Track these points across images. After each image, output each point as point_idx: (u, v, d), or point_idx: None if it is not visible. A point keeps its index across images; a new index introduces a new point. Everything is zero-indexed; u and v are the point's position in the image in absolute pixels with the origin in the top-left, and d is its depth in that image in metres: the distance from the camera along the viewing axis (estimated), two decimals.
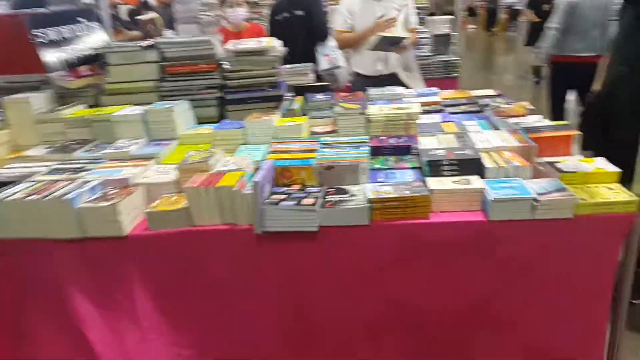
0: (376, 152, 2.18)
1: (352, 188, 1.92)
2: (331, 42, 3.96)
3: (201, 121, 2.63)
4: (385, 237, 1.78)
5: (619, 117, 2.62)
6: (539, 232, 1.72)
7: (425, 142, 2.18)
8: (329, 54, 3.98)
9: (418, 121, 2.32)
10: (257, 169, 1.93)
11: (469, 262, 1.77)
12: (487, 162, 1.91)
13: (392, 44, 3.47)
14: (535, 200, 1.70)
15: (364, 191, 1.86)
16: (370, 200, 1.77)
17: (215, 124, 2.51)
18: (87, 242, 1.87)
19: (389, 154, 2.17)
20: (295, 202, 1.78)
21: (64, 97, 2.78)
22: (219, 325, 1.93)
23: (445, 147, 2.05)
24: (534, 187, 1.77)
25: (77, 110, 2.64)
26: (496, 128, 2.32)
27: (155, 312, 1.92)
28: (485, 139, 2.15)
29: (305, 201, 1.79)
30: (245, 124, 2.37)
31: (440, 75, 4.60)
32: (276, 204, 1.78)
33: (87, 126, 2.52)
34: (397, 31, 3.44)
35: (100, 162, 2.26)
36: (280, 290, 1.87)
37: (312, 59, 3.92)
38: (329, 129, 2.43)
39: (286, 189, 1.92)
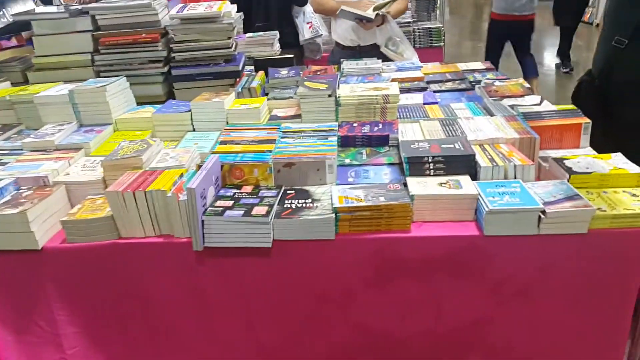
0: (346, 142, 1.82)
1: (316, 190, 1.58)
2: (310, 8, 3.52)
3: (144, 101, 2.24)
4: (355, 254, 1.45)
5: (624, 96, 2.30)
6: (545, 250, 1.40)
7: (406, 131, 1.84)
8: (311, 22, 3.54)
9: (398, 103, 1.96)
10: (200, 166, 1.57)
11: (458, 285, 1.46)
12: (480, 159, 1.58)
13: (356, 18, 3.07)
14: (542, 212, 1.37)
15: (329, 195, 1.52)
16: (336, 210, 1.43)
17: (159, 106, 2.12)
18: None
19: (362, 145, 1.82)
20: (244, 211, 1.43)
21: None
22: (156, 353, 1.60)
23: (429, 140, 1.71)
24: (539, 193, 1.44)
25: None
26: (489, 113, 1.98)
27: (80, 338, 1.58)
28: (477, 127, 1.81)
29: (257, 210, 1.44)
30: (192, 106, 1.99)
31: (423, 45, 4.19)
32: (220, 213, 1.42)
33: (10, 108, 2.12)
34: (364, 9, 3.02)
35: (20, 154, 1.87)
36: (227, 314, 1.54)
37: (289, 25, 3.50)
38: (292, 112, 2.06)
39: (235, 191, 1.56)
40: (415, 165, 1.58)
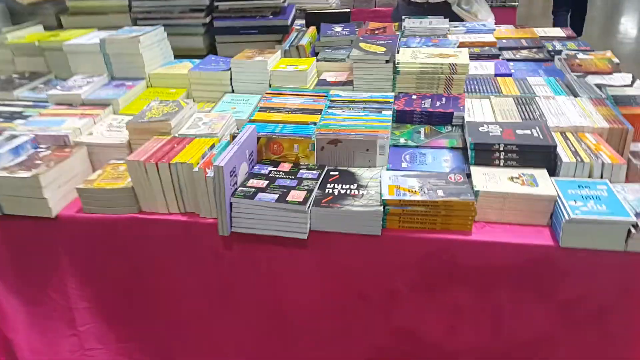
0: (403, 118, 1.59)
1: (363, 174, 1.37)
2: None
3: (183, 54, 2.05)
4: (404, 254, 1.25)
5: None
6: (630, 270, 1.16)
7: (474, 109, 1.58)
8: None
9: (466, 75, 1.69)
10: (234, 137, 1.38)
11: (521, 299, 1.24)
12: (562, 151, 1.32)
13: None
14: (633, 225, 1.12)
15: (379, 181, 1.31)
16: (385, 202, 1.22)
17: (198, 61, 1.93)
18: (7, 222, 1.40)
19: (420, 122, 1.58)
20: (279, 194, 1.25)
21: (17, 15, 2.22)
22: (171, 341, 1.48)
23: (501, 122, 1.44)
24: (629, 200, 1.18)
25: (30, 34, 2.08)
26: (573, 92, 1.68)
27: (93, 315, 1.47)
28: (559, 109, 1.52)
29: (293, 194, 1.25)
30: (232, 64, 1.79)
31: (494, 3, 3.76)
32: (251, 195, 1.24)
33: (40, 55, 1.98)
34: None
35: (45, 107, 1.75)
36: (253, 306, 1.38)
37: None
38: (343, 78, 1.83)
39: (271, 169, 1.37)
40: (483, 153, 1.34)
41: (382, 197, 1.22)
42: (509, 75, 1.88)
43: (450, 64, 1.65)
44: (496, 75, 1.87)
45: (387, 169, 1.36)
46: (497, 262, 1.21)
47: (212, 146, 1.39)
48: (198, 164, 1.29)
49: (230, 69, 1.79)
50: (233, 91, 1.81)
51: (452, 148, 1.44)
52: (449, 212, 1.21)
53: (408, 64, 1.68)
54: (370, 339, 1.37)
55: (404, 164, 1.38)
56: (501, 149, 1.33)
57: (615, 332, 1.22)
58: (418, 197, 1.21)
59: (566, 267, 1.18)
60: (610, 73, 1.87)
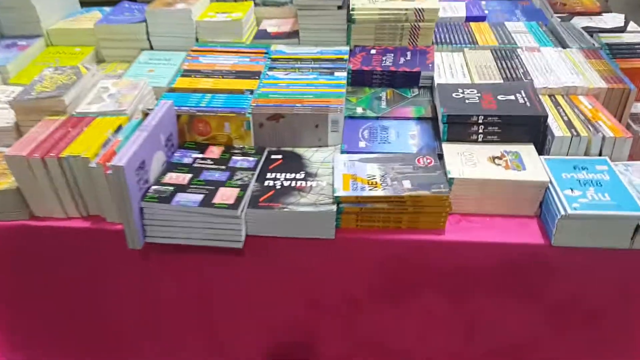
0: (360, 80, 1.31)
1: (313, 156, 1.10)
2: None
3: (92, 0, 1.67)
4: (363, 259, 1.02)
5: None
6: (634, 268, 0.97)
7: (444, 66, 1.31)
8: None
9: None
10: (147, 115, 1.08)
11: (505, 304, 1.04)
12: (554, 122, 1.08)
13: None
14: None
15: (331, 166, 1.05)
16: (339, 200, 0.97)
17: (108, 10, 1.57)
18: None
19: (381, 84, 1.31)
20: (204, 194, 0.97)
21: None
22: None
23: (479, 85, 1.18)
24: (636, 183, 0.97)
25: None
26: (560, 41, 1.42)
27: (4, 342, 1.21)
28: (546, 64, 1.27)
29: (223, 193, 0.98)
30: (147, 15, 1.44)
31: None
32: (167, 198, 0.96)
33: None
34: None
35: None
36: (186, 323, 1.14)
37: None
38: (287, 27, 1.51)
39: (196, 156, 1.09)
40: (458, 127, 1.09)
41: (335, 194, 0.96)
42: (483, 18, 1.60)
43: (416, 9, 1.35)
44: (468, 19, 1.59)
45: (342, 151, 1.10)
46: (476, 264, 0.99)
47: (119, 128, 1.09)
48: (97, 156, 0.99)
49: (145, 20, 1.44)
50: (152, 48, 1.47)
51: (420, 118, 1.19)
52: (417, 209, 0.97)
53: (365, 10, 1.37)
54: (330, 354, 1.16)
55: (361, 143, 1.11)
56: (480, 121, 1.08)
57: (612, 337, 1.05)
58: (380, 192, 0.96)
59: (558, 267, 0.98)
60: (598, 13, 1.62)
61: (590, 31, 1.46)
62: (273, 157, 1.12)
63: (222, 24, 1.43)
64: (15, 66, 1.40)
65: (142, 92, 1.21)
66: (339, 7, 1.37)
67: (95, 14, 1.58)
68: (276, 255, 1.02)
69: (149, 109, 1.11)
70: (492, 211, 1.02)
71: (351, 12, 1.37)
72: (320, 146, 1.15)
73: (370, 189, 0.97)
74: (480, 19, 1.60)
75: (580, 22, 1.55)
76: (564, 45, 1.38)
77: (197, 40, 1.46)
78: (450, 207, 0.96)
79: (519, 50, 1.34)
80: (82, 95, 1.19)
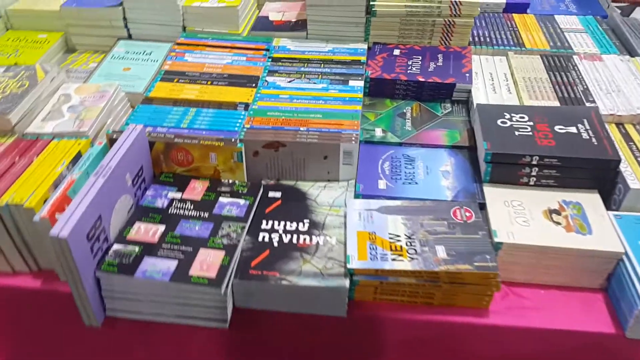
0: (380, 90, 1.07)
1: (320, 196, 0.88)
2: None
3: None
4: (381, 340, 0.81)
5: None
6: None
7: (484, 76, 1.06)
8: None
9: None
10: (113, 140, 0.85)
11: None
12: (627, 167, 0.85)
13: None
14: None
15: (342, 211, 0.84)
16: (352, 272, 0.75)
17: None
18: None
19: (405, 96, 1.07)
20: (178, 260, 0.76)
21: None
22: None
23: (530, 107, 0.94)
24: None
25: None
26: (624, 43, 1.16)
27: None
28: (610, 79, 1.03)
29: (203, 259, 0.76)
30: None
31: None
32: (129, 267, 0.74)
33: None
34: None
35: None
36: None
37: None
38: (293, 16, 1.25)
39: (174, 196, 0.87)
40: (504, 168, 0.86)
41: (349, 265, 0.75)
42: (526, 6, 1.34)
43: (452, 1, 1.09)
44: (508, 7, 1.32)
45: (356, 193, 0.88)
46: (527, 354, 0.79)
47: (78, 156, 0.86)
48: (45, 203, 0.77)
49: (121, 3, 1.18)
50: (130, 37, 1.22)
51: (454, 147, 0.95)
52: (455, 287, 0.75)
53: (388, 0, 1.11)
54: None
55: (381, 184, 0.89)
56: (534, 162, 0.85)
57: None
58: (406, 265, 0.74)
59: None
60: None
61: None
62: (270, 195, 0.89)
63: (214, 10, 1.17)
64: None
65: (111, 103, 0.98)
66: None
67: None
68: (271, 332, 0.81)
69: (116, 133, 0.88)
70: (547, 281, 0.81)
71: (372, 3, 1.11)
72: (329, 180, 0.93)
73: (393, 258, 0.75)
74: (523, 7, 1.34)
75: None
76: (631, 52, 1.12)
77: (184, 29, 1.20)
78: (499, 287, 0.75)
79: (575, 58, 1.09)
80: (36, 107, 0.96)
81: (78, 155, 0.86)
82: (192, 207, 0.84)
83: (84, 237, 0.70)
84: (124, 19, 1.20)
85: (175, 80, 1.05)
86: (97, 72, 1.12)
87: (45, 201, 0.78)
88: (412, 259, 0.75)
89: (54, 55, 1.21)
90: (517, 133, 0.88)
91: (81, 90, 1.01)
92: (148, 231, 0.80)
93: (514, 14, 1.28)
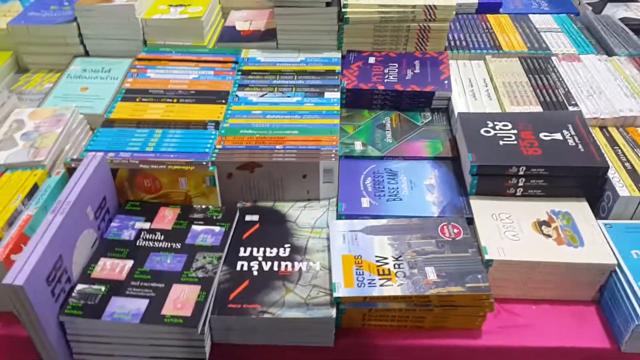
0: (357, 100, 1.02)
1: (300, 217, 0.83)
2: None
3: None
4: None
5: None
6: None
7: (463, 82, 1.03)
8: None
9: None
10: (72, 169, 0.79)
11: None
12: (615, 174, 0.82)
13: None
14: None
15: (325, 236, 0.79)
16: (339, 300, 0.71)
17: (32, 1, 1.22)
18: None
19: (384, 106, 1.02)
20: (149, 298, 0.69)
21: None
22: None
23: (513, 114, 0.91)
24: None
25: None
26: (600, 42, 1.15)
27: None
28: (591, 80, 1.01)
29: (176, 296, 0.70)
30: (78, 11, 1.11)
31: None
32: (95, 307, 0.68)
33: None
34: None
35: None
36: None
37: None
38: (262, 24, 1.20)
39: (142, 226, 0.80)
40: (491, 180, 0.83)
41: (335, 294, 0.70)
42: (499, 6, 1.31)
43: (426, 6, 1.05)
44: (481, 7, 1.30)
45: (339, 213, 0.83)
46: None
47: (35, 188, 0.79)
48: (0, 242, 0.70)
49: (75, 19, 1.11)
50: (87, 53, 1.15)
51: (437, 158, 0.92)
52: (447, 310, 0.71)
53: (361, 7, 1.07)
54: None
55: (364, 202, 0.84)
56: (521, 173, 0.81)
57: None
58: (396, 290, 0.70)
59: None
60: None
61: (633, 27, 1.19)
62: (247, 218, 0.84)
63: (176, 22, 1.11)
64: None
65: (69, 128, 0.91)
66: (328, 4, 1.07)
67: (14, 5, 1.24)
68: None
69: (74, 161, 0.81)
70: (539, 296, 0.78)
71: (343, 10, 1.06)
72: (309, 200, 0.88)
73: (382, 284, 0.71)
74: (496, 7, 1.31)
75: (616, 11, 1.29)
76: (608, 51, 1.11)
77: (144, 43, 1.14)
78: (492, 308, 0.71)
79: (554, 59, 1.07)
80: None
81: (34, 188, 0.79)
82: (162, 237, 0.78)
83: (43, 281, 0.64)
84: (79, 35, 1.12)
85: (138, 99, 0.98)
86: (52, 93, 1.05)
87: None
88: (402, 283, 0.70)
89: (4, 76, 1.13)
90: (501, 142, 0.85)
91: (35, 115, 0.93)
92: (115, 267, 0.73)
93: (488, 15, 1.25)
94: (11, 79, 1.14)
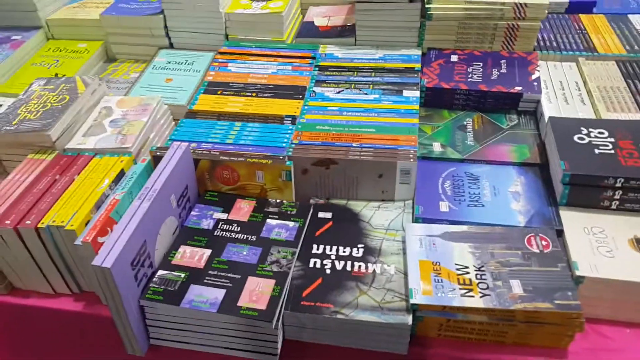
0: (438, 100, 0.99)
1: (374, 217, 0.82)
2: None
3: None
4: None
5: None
6: None
7: (554, 84, 0.97)
8: None
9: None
10: (158, 157, 0.81)
11: None
12: None
13: None
14: None
15: (401, 239, 0.77)
16: (416, 307, 0.68)
17: None
18: None
19: (466, 106, 0.98)
20: (226, 289, 0.70)
21: None
22: None
23: (609, 121, 0.85)
24: None
25: None
26: None
27: None
28: None
29: (252, 288, 0.70)
30: (165, 4, 1.14)
31: None
32: (175, 294, 0.70)
33: None
34: None
35: None
36: None
37: None
38: (340, 19, 1.19)
39: (220, 217, 0.81)
40: (583, 191, 0.77)
41: (412, 301, 0.68)
42: (592, 5, 1.23)
43: (516, 3, 1.00)
44: (572, 6, 1.22)
45: (416, 217, 0.80)
46: None
47: (121, 174, 0.82)
48: (87, 225, 0.73)
49: (162, 11, 1.14)
50: (171, 45, 1.18)
51: (523, 164, 0.87)
52: (532, 327, 0.67)
53: (446, 2, 1.03)
54: None
55: (443, 206, 0.81)
56: (618, 185, 0.75)
57: None
58: (478, 302, 0.66)
59: None
60: None
61: None
62: (320, 215, 0.83)
63: (258, 17, 1.12)
64: (9, 67, 1.14)
65: (154, 117, 0.94)
66: (411, 0, 1.04)
67: None
68: None
69: (160, 149, 0.84)
70: (633, 318, 0.72)
71: (427, 6, 1.03)
72: (383, 200, 0.86)
73: (462, 294, 0.67)
74: (589, 6, 1.23)
75: None
76: None
77: (226, 37, 1.15)
78: (582, 328, 0.66)
79: None
80: (77, 121, 0.92)
81: (121, 173, 0.82)
82: (238, 229, 0.79)
83: (128, 265, 0.66)
84: (165, 27, 1.16)
85: (219, 92, 1.00)
86: (138, 83, 1.09)
87: (87, 223, 0.74)
88: (484, 294, 0.67)
89: (94, 64, 1.19)
90: (597, 151, 0.79)
91: (123, 103, 0.97)
92: (194, 255, 0.74)
93: (580, 15, 1.17)
94: (100, 68, 1.19)
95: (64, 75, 1.09)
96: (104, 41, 1.21)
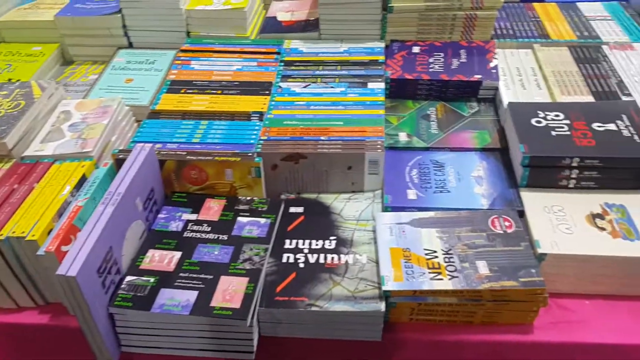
0: (402, 90, 1.00)
1: (345, 209, 0.83)
2: None
3: None
4: None
5: None
6: None
7: (511, 71, 1.00)
8: None
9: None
10: (120, 160, 0.80)
11: None
12: None
13: None
14: None
15: (371, 224, 0.78)
16: (389, 294, 0.70)
17: None
18: None
19: (428, 96, 1.00)
20: (198, 290, 0.70)
21: None
22: None
23: (564, 104, 0.88)
24: None
25: None
26: None
27: None
28: None
29: (225, 288, 0.70)
30: (123, 2, 1.12)
31: None
32: (145, 299, 0.69)
33: None
34: None
35: None
36: None
37: None
38: (304, 14, 1.19)
39: (188, 217, 0.81)
40: (543, 172, 0.80)
41: (384, 288, 0.69)
42: None
43: None
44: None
45: (385, 205, 0.82)
46: None
47: (83, 179, 0.80)
48: (50, 234, 0.71)
49: (120, 10, 1.12)
50: (131, 45, 1.16)
51: (484, 149, 0.89)
52: (499, 305, 0.70)
53: None
54: None
55: (411, 194, 0.83)
56: (574, 164, 0.78)
57: None
58: (447, 284, 0.68)
59: None
60: None
61: None
62: (292, 210, 0.84)
63: (220, 13, 1.11)
64: None
65: (115, 119, 0.92)
66: None
67: None
68: (296, 355, 0.76)
69: (122, 152, 0.82)
70: (592, 291, 0.75)
71: None
72: (353, 192, 0.87)
73: (432, 277, 0.69)
74: None
75: None
76: None
77: (188, 35, 1.14)
78: (546, 302, 0.69)
79: (605, 48, 1.03)
80: (34, 127, 0.90)
81: (82, 179, 0.80)
82: (209, 229, 0.79)
83: (95, 273, 0.64)
84: (124, 26, 1.14)
85: (183, 90, 0.99)
86: (97, 85, 1.06)
87: (49, 232, 0.72)
88: (453, 277, 0.69)
89: (50, 68, 1.15)
90: (553, 133, 0.82)
91: (82, 106, 0.95)
92: (163, 259, 0.74)
93: (534, 4, 1.21)
94: (57, 71, 1.16)
95: (18, 80, 1.05)
96: (60, 43, 1.18)
